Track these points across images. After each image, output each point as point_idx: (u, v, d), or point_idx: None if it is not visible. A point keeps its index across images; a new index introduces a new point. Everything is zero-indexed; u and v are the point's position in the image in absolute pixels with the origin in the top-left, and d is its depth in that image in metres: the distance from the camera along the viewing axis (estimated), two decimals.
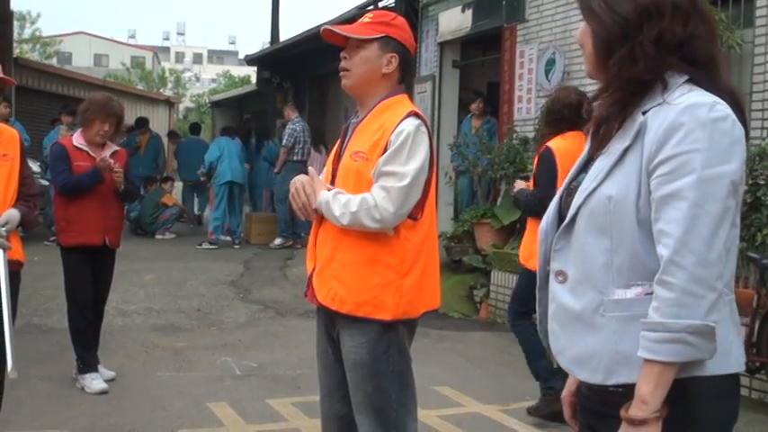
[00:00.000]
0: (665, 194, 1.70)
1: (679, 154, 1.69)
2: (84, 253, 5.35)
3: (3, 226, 3.94)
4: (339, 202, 2.80)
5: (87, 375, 5.34)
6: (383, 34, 2.93)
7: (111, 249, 5.53)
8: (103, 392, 5.25)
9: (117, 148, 5.63)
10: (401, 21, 3.04)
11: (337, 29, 2.96)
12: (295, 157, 12.32)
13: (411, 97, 11.14)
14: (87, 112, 5.43)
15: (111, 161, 5.35)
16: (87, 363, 5.38)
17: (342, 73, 2.98)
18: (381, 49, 2.92)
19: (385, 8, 11.69)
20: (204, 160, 13.30)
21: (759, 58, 6.32)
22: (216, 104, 27.21)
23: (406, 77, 3.04)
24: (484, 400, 5.38)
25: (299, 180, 2.96)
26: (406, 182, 2.77)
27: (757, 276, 5.34)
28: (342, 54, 2.97)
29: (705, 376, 1.72)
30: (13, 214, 4.12)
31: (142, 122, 16.77)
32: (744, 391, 5.26)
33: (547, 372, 4.87)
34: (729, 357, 1.77)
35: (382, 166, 2.80)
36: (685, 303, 1.65)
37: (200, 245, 12.84)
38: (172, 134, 18.80)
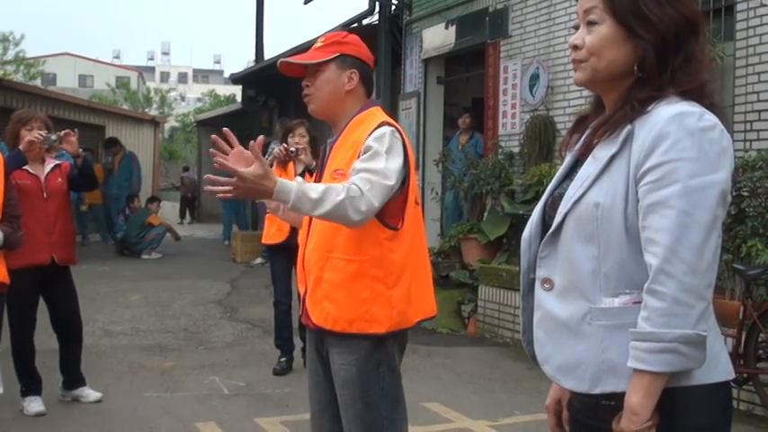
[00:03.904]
0: (652, 202, 1.69)
1: (666, 162, 1.68)
2: (32, 274, 5.11)
3: None
4: (314, 188, 2.61)
5: (27, 398, 5.22)
6: (338, 53, 2.96)
7: (64, 268, 5.38)
8: (41, 414, 5.15)
9: (58, 162, 5.45)
10: (353, 37, 3.06)
11: (292, 59, 3.00)
12: None
13: (395, 113, 11.13)
14: (12, 130, 5.28)
15: (51, 135, 5.15)
16: (30, 387, 5.25)
17: (306, 99, 3.00)
18: (339, 67, 2.94)
19: (368, 25, 11.77)
20: None
21: (740, 71, 6.38)
22: (201, 124, 27.17)
23: (371, 90, 3.05)
24: (473, 416, 5.36)
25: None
26: (390, 182, 2.72)
27: (743, 288, 5.36)
28: (303, 83, 2.99)
29: (692, 386, 1.71)
30: None
31: (112, 142, 16.66)
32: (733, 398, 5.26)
33: None
34: (717, 366, 1.76)
35: (362, 162, 2.73)
36: (676, 313, 1.64)
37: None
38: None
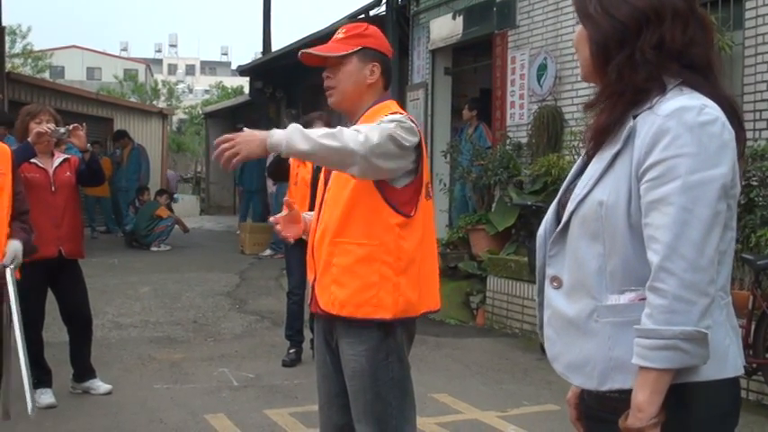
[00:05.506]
0: (653, 200, 1.69)
1: (666, 159, 1.67)
2: (39, 268, 5.03)
3: (11, 263, 4.00)
4: (316, 131, 2.66)
5: (37, 390, 5.19)
6: (360, 47, 2.96)
7: (72, 261, 5.39)
8: (51, 407, 5.17)
9: (67, 156, 5.46)
10: (373, 29, 3.07)
11: (315, 51, 2.99)
12: None
13: (403, 104, 11.07)
14: (22, 123, 5.28)
15: (59, 128, 5.17)
16: (40, 380, 5.23)
17: (328, 92, 3.00)
18: (361, 60, 2.95)
19: (376, 16, 11.74)
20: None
21: (749, 60, 6.35)
22: (209, 116, 27.17)
23: (389, 82, 3.06)
24: (482, 407, 5.37)
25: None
26: (390, 129, 2.70)
27: (752, 278, 5.34)
28: (324, 74, 2.99)
29: (700, 381, 1.71)
30: (17, 248, 4.12)
31: (121, 135, 16.73)
32: (741, 393, 5.25)
33: None
34: (726, 362, 1.76)
35: None
36: (677, 309, 1.64)
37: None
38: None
